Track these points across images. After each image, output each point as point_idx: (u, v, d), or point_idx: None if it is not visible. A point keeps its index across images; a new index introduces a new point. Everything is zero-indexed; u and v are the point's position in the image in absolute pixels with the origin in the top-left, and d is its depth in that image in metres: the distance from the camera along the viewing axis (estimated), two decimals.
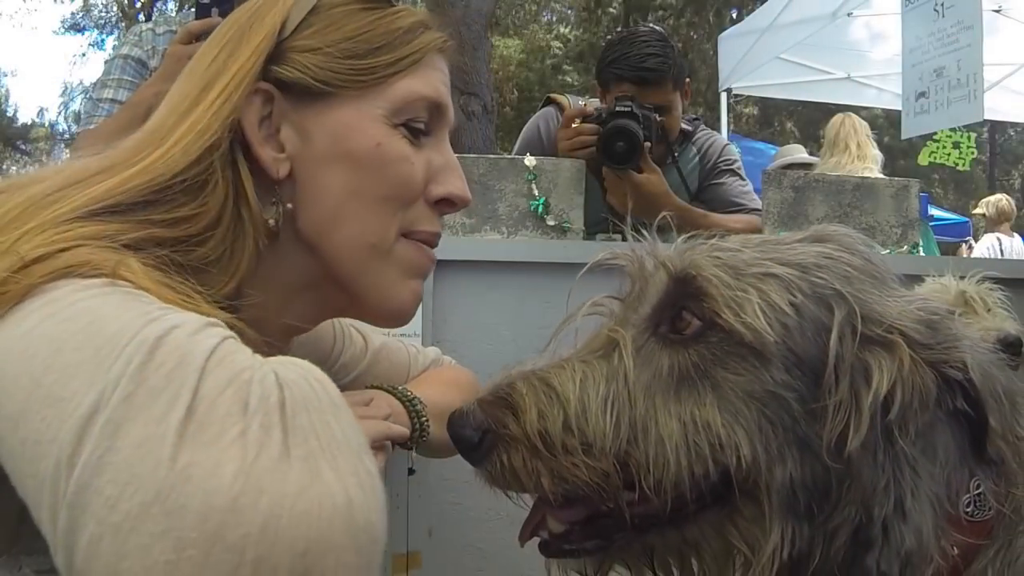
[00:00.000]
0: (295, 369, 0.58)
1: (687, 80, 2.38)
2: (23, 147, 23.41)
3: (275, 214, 0.87)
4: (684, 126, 2.42)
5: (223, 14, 1.77)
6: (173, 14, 2.45)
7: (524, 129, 2.58)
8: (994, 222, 6.57)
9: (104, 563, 0.48)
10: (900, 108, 3.91)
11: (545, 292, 1.83)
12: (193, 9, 2.22)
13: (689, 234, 0.85)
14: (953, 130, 4.57)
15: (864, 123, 4.34)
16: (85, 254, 0.67)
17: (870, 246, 0.83)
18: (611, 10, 16.43)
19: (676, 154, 2.39)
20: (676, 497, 0.75)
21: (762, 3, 7.03)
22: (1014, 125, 16.38)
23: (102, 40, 21.05)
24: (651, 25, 3.01)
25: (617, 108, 2.14)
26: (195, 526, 0.48)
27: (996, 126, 18.16)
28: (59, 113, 23.54)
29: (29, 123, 23.83)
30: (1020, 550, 0.75)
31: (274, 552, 0.48)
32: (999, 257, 5.92)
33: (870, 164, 4.12)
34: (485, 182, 2.05)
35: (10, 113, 23.49)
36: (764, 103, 16.83)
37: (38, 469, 0.53)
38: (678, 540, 0.79)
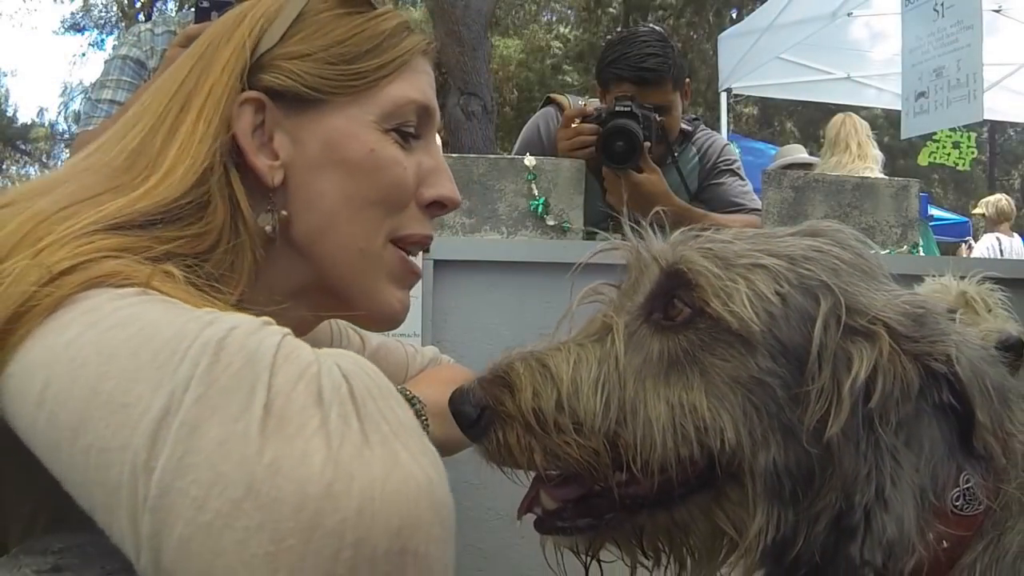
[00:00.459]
0: (350, 359, 0.60)
1: (687, 80, 2.38)
2: (23, 147, 23.43)
3: (271, 221, 0.87)
4: (684, 126, 2.42)
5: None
6: (172, 14, 2.44)
7: (524, 129, 2.59)
8: (994, 222, 6.58)
9: (198, 562, 0.49)
10: (900, 108, 3.92)
11: (545, 292, 1.83)
12: (193, 9, 2.23)
13: (684, 228, 0.87)
14: (953, 130, 4.58)
15: (865, 123, 4.34)
16: (113, 265, 0.68)
17: (863, 242, 0.84)
18: (611, 10, 16.44)
19: (676, 154, 2.39)
20: (665, 480, 0.77)
21: (762, 3, 7.04)
22: (1014, 125, 16.38)
23: (102, 40, 21.08)
24: (651, 25, 3.02)
25: (617, 108, 2.14)
26: (292, 516, 0.49)
27: (996, 126, 18.17)
28: (59, 113, 23.59)
29: (29, 123, 23.86)
30: (1009, 545, 0.76)
31: (372, 533, 0.50)
32: (999, 257, 5.92)
33: (871, 164, 4.12)
34: (485, 182, 2.05)
35: (10, 113, 23.51)
36: (764, 103, 16.84)
37: (108, 476, 0.54)
38: (667, 521, 0.81)
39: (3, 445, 0.65)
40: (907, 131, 3.75)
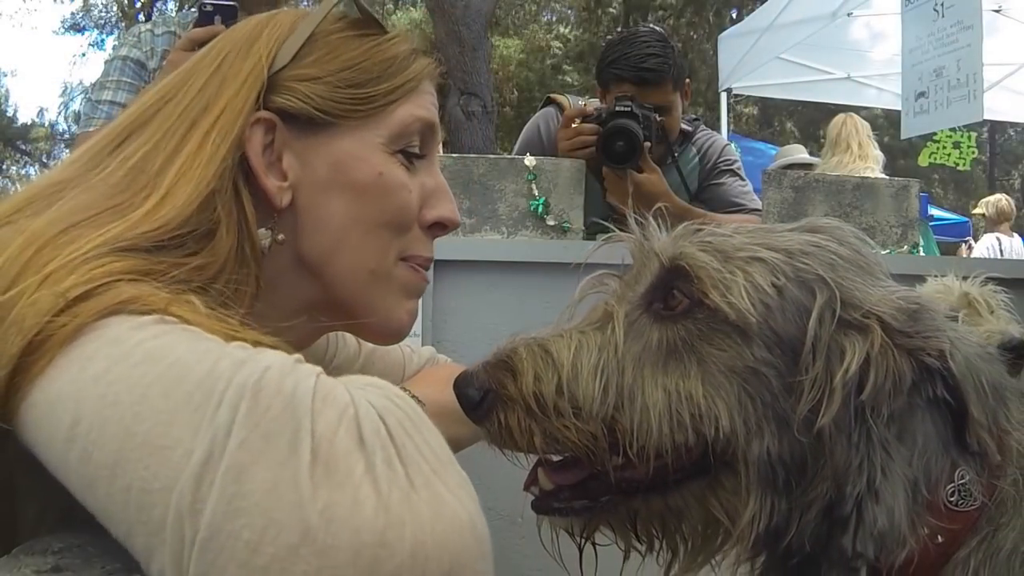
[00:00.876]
0: (379, 392, 0.62)
1: (687, 80, 2.38)
2: (23, 147, 23.42)
3: (267, 237, 0.87)
4: (684, 126, 2.42)
5: (226, 21, 1.77)
6: (172, 15, 2.44)
7: (524, 129, 2.58)
8: (994, 222, 6.58)
9: None
10: (900, 108, 3.92)
11: (545, 292, 1.83)
12: (193, 9, 2.22)
13: (685, 223, 0.88)
14: (953, 130, 4.58)
15: (865, 123, 4.35)
16: (129, 289, 0.68)
17: (863, 240, 0.85)
18: (611, 10, 16.44)
19: (676, 154, 2.39)
20: (660, 466, 0.79)
21: (762, 3, 7.03)
22: (1014, 125, 16.38)
23: (102, 40, 21.09)
24: (651, 25, 3.02)
25: (617, 108, 2.14)
26: (349, 563, 0.51)
27: (996, 126, 18.17)
28: (59, 113, 23.59)
29: (29, 123, 23.85)
30: (1003, 542, 0.77)
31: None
32: (999, 257, 5.92)
33: (871, 164, 4.12)
34: (485, 182, 2.05)
35: (10, 113, 23.51)
36: (764, 103, 16.84)
37: (151, 516, 0.55)
38: (661, 506, 0.83)
39: (13, 457, 0.67)
40: (907, 131, 3.75)
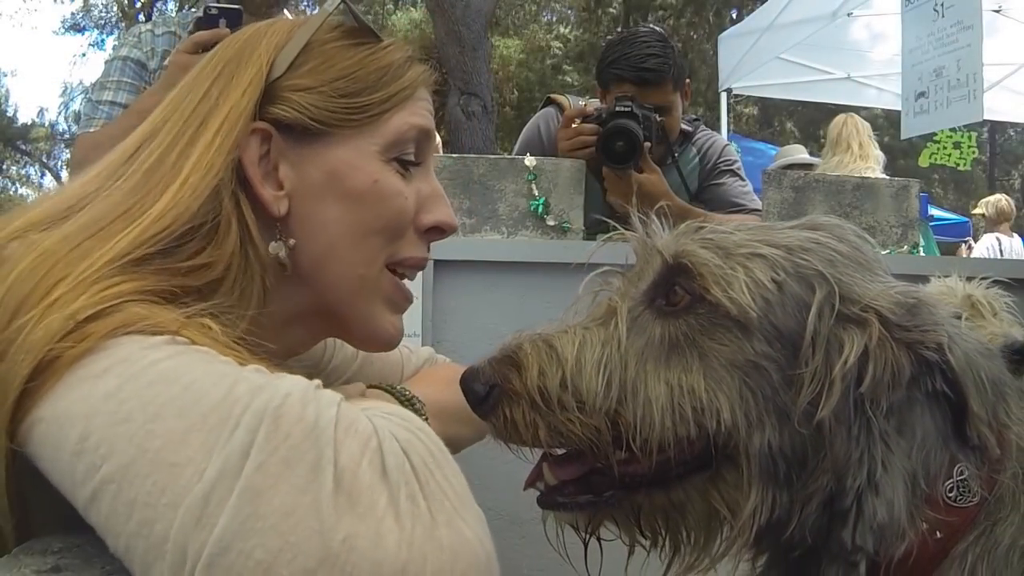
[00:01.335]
0: (402, 425, 0.63)
1: (687, 80, 2.38)
2: (23, 147, 23.43)
3: (282, 248, 0.89)
4: (684, 126, 2.42)
5: (231, 25, 1.77)
6: (172, 15, 2.44)
7: (524, 129, 2.58)
8: (994, 222, 6.58)
9: None
10: (900, 108, 3.92)
11: (545, 292, 1.83)
12: (192, 9, 2.22)
13: (687, 222, 0.89)
14: (953, 130, 4.57)
15: (866, 123, 4.35)
16: (138, 310, 0.69)
17: (862, 237, 0.86)
18: (611, 10, 16.44)
19: (676, 154, 2.39)
20: (663, 460, 0.80)
21: (762, 3, 7.03)
22: (1014, 125, 16.38)
23: (102, 40, 21.09)
24: (651, 25, 3.02)
25: (617, 108, 2.14)
26: None
27: (996, 126, 18.17)
28: (59, 113, 23.58)
29: (29, 123, 23.83)
30: (1001, 537, 0.77)
31: None
32: (998, 257, 5.92)
33: (872, 164, 4.12)
34: (485, 182, 2.05)
35: (10, 113, 23.49)
36: (764, 103, 16.83)
37: (152, 530, 0.56)
38: (664, 501, 0.84)
39: (21, 471, 0.68)
40: (907, 131, 3.75)
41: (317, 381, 0.64)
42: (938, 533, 0.77)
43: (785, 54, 6.28)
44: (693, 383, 0.79)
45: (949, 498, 0.78)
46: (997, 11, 5.21)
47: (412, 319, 1.77)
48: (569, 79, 15.98)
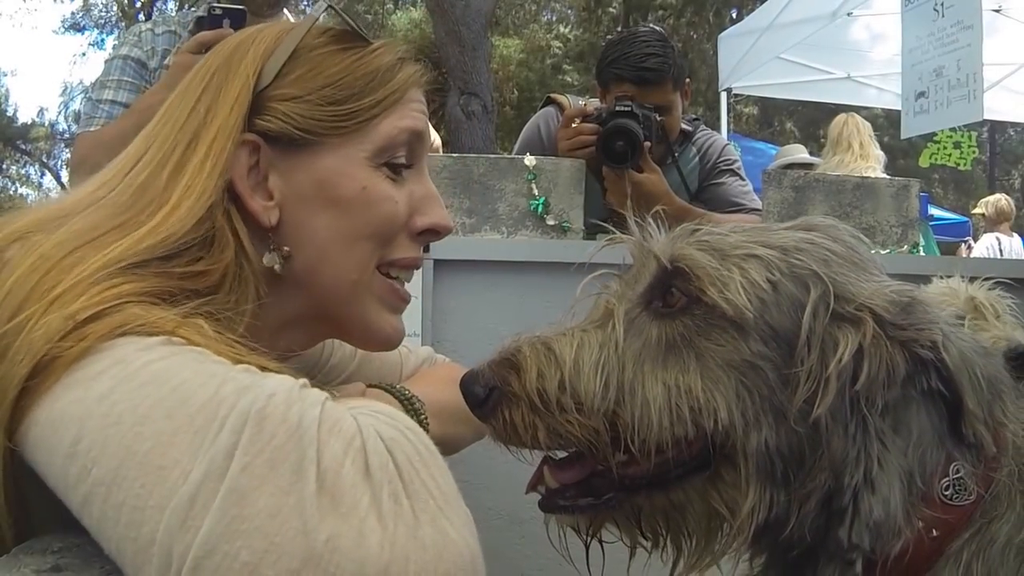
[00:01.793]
0: (389, 423, 0.63)
1: (687, 80, 2.38)
2: (23, 147, 23.42)
3: (277, 260, 0.89)
4: (684, 126, 2.42)
5: (234, 25, 1.77)
6: (172, 14, 2.44)
7: (524, 129, 2.58)
8: (993, 222, 6.58)
9: None
10: (900, 108, 3.91)
11: (545, 292, 1.83)
12: (192, 8, 2.22)
13: (683, 224, 0.89)
14: (953, 130, 4.57)
15: (867, 123, 4.35)
16: (136, 312, 0.69)
17: (857, 238, 0.87)
18: (611, 10, 16.43)
19: (676, 154, 2.39)
20: (662, 461, 0.80)
21: (762, 3, 7.03)
22: (1014, 125, 16.38)
23: (102, 40, 21.09)
24: (651, 25, 3.02)
25: (617, 108, 2.14)
26: None
27: (996, 126, 18.16)
28: (59, 113, 23.57)
29: (29, 123, 23.81)
30: (997, 535, 0.78)
31: None
32: (998, 257, 5.92)
33: (873, 164, 4.12)
34: (485, 182, 2.05)
35: (10, 113, 23.48)
36: (764, 103, 16.83)
37: (140, 533, 0.56)
38: (664, 502, 0.84)
39: (20, 474, 0.68)
40: (907, 131, 3.75)
41: (303, 380, 0.64)
42: (934, 531, 0.77)
43: (785, 54, 6.28)
44: (690, 383, 0.79)
45: (945, 496, 0.78)
46: (997, 11, 5.21)
47: (412, 319, 1.76)
48: (569, 79, 15.97)
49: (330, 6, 0.96)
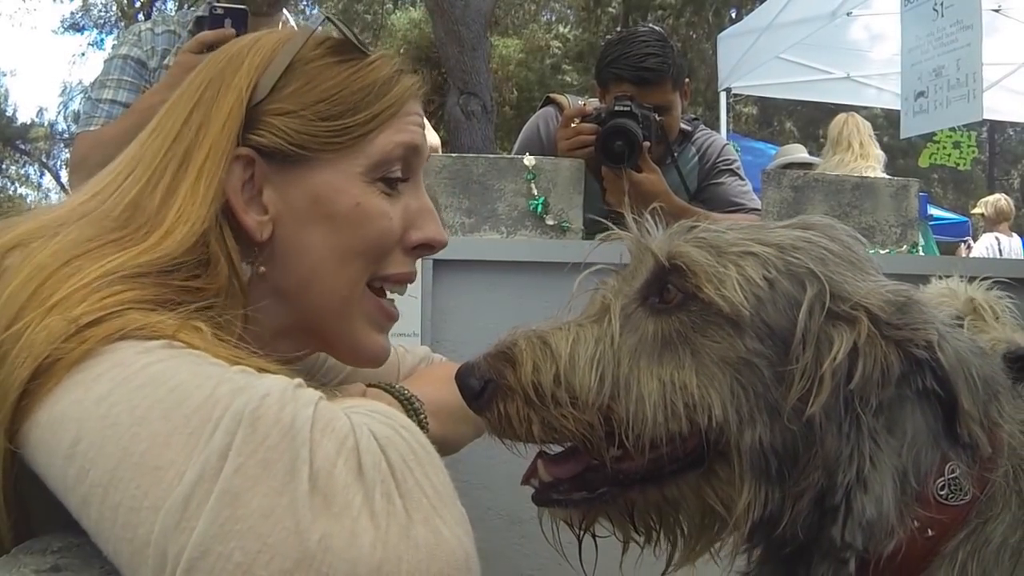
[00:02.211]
0: (384, 421, 0.63)
1: (686, 80, 2.38)
2: (23, 147, 23.40)
3: (249, 272, 0.88)
4: (683, 126, 2.42)
5: (236, 25, 1.77)
6: (172, 14, 2.44)
7: (524, 129, 2.58)
8: (993, 222, 6.58)
9: None
10: (900, 108, 3.91)
11: (544, 291, 1.83)
12: (192, 8, 2.22)
13: (679, 222, 0.90)
14: (953, 130, 4.57)
15: (867, 123, 4.34)
16: (138, 316, 0.69)
17: (854, 237, 0.87)
18: (610, 10, 16.42)
19: (675, 154, 2.39)
20: (656, 457, 0.81)
21: (761, 3, 7.03)
22: (1014, 125, 16.38)
23: (101, 40, 21.08)
24: (650, 25, 3.02)
25: (616, 108, 2.14)
26: None
27: (996, 126, 18.17)
28: (58, 113, 23.55)
29: (28, 123, 23.81)
30: (992, 535, 0.78)
31: None
32: (997, 257, 5.92)
33: (873, 163, 4.12)
34: (484, 182, 2.05)
35: (9, 113, 23.47)
36: (763, 103, 16.82)
37: (136, 534, 0.56)
38: (658, 497, 0.84)
39: (21, 476, 0.68)
40: (907, 131, 3.75)
41: (298, 380, 0.64)
42: (929, 531, 0.77)
43: (784, 54, 6.28)
44: (685, 379, 0.79)
45: (940, 496, 0.78)
46: (997, 11, 5.20)
47: (411, 319, 1.76)
48: (568, 79, 15.97)
49: (327, 18, 0.96)
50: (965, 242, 7.88)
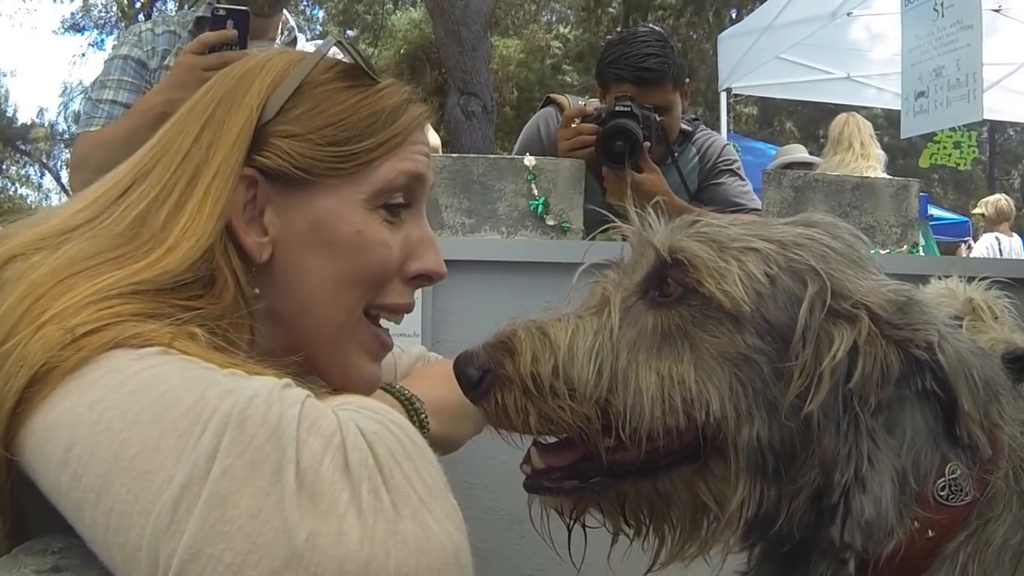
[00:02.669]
0: (373, 417, 0.63)
1: (687, 80, 2.38)
2: (23, 147, 23.40)
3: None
4: (684, 126, 2.42)
5: (238, 26, 1.76)
6: (172, 14, 2.44)
7: (524, 129, 2.58)
8: (993, 222, 6.58)
9: None
10: (900, 108, 3.91)
11: (545, 292, 1.83)
12: (192, 8, 2.22)
13: (682, 217, 0.89)
14: (953, 130, 4.57)
15: (867, 122, 4.34)
16: (134, 326, 0.70)
17: (856, 236, 0.87)
18: (611, 10, 16.42)
19: (676, 154, 2.39)
20: (652, 449, 0.80)
21: (762, 3, 7.03)
22: (1014, 125, 16.37)
23: (102, 40, 21.08)
24: (651, 25, 3.02)
25: (616, 108, 2.14)
26: None
27: (996, 126, 18.16)
28: (59, 113, 23.56)
29: (29, 123, 23.82)
30: (992, 536, 0.78)
31: None
32: (998, 257, 5.92)
33: (873, 163, 4.12)
34: (485, 182, 2.05)
35: (10, 113, 23.47)
36: (764, 103, 16.83)
37: (128, 539, 0.57)
38: (650, 490, 0.84)
39: (19, 483, 0.68)
40: (907, 131, 3.75)
41: (286, 380, 0.64)
42: (929, 532, 0.77)
43: (785, 54, 6.28)
44: (684, 374, 0.79)
45: (940, 497, 0.78)
46: (997, 11, 5.20)
47: (411, 319, 1.76)
48: (569, 79, 15.97)
49: (339, 42, 0.95)
50: (965, 242, 7.88)
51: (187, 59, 1.77)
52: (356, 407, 0.65)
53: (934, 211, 7.73)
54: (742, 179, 2.50)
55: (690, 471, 0.82)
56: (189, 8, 2.27)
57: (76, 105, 20.48)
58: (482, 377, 0.84)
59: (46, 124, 23.61)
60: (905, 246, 2.22)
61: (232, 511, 0.54)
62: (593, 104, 2.34)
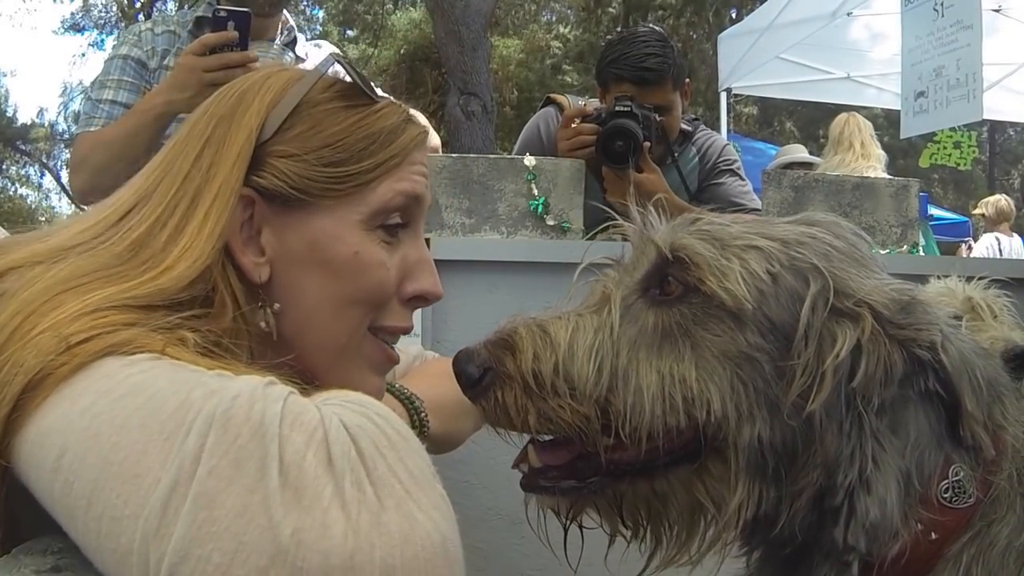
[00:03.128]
0: (356, 410, 0.63)
1: (687, 80, 2.38)
2: (23, 147, 23.40)
3: (265, 317, 0.88)
4: (684, 126, 2.42)
5: (239, 28, 1.76)
6: (172, 14, 2.44)
7: (524, 129, 2.58)
8: (993, 222, 6.58)
9: None
10: (900, 108, 3.91)
11: (545, 292, 1.83)
12: (191, 8, 2.22)
13: (683, 215, 0.89)
14: (953, 130, 4.57)
15: (868, 122, 4.34)
16: (128, 334, 0.70)
17: (859, 235, 0.86)
18: (611, 10, 16.42)
19: (676, 154, 2.39)
20: (651, 448, 0.79)
21: (762, 3, 7.03)
22: (1014, 125, 16.38)
23: (102, 40, 21.06)
24: (651, 25, 3.01)
25: (616, 108, 2.14)
26: None
27: (996, 126, 18.16)
28: (59, 113, 23.51)
29: (29, 123, 23.76)
30: (996, 538, 0.77)
31: None
32: (998, 257, 5.92)
33: (874, 163, 4.12)
34: (485, 182, 2.05)
35: (10, 113, 23.43)
36: (764, 103, 16.83)
37: (119, 543, 0.57)
38: (647, 491, 0.83)
39: (13, 490, 0.68)
40: (907, 131, 3.75)
41: (269, 378, 0.64)
42: (933, 534, 0.76)
43: (785, 54, 6.28)
44: (684, 373, 0.78)
45: (944, 498, 0.77)
46: (997, 11, 5.20)
47: (413, 319, 1.76)
48: (569, 79, 15.96)
49: (339, 60, 0.95)
50: (966, 242, 7.88)
51: (188, 60, 1.77)
52: (340, 401, 0.64)
53: (934, 211, 7.73)
54: (742, 179, 2.50)
55: (688, 471, 0.81)
56: (189, 8, 2.27)
57: (76, 105, 20.48)
58: (483, 375, 0.84)
59: (46, 124, 23.60)
60: (905, 246, 2.22)
61: (218, 511, 0.54)
62: (593, 104, 2.34)
